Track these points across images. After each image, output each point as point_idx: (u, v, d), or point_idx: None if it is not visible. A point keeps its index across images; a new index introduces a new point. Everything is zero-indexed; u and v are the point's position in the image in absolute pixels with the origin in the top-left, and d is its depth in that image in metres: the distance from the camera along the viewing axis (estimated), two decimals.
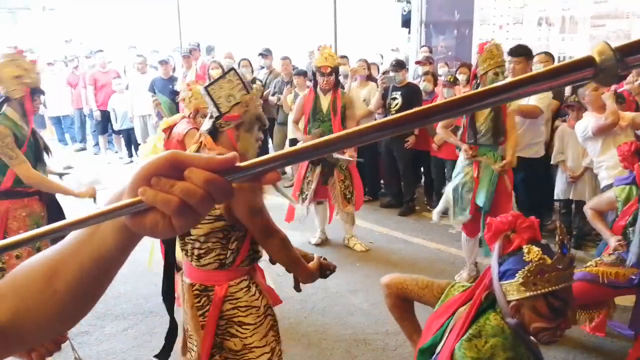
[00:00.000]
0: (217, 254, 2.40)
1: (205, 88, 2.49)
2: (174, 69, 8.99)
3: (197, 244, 2.41)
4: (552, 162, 5.66)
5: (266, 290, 2.65)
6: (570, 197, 5.53)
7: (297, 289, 2.65)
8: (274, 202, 5.29)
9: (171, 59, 9.75)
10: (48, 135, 12.39)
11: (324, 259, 2.61)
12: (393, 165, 6.83)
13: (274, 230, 2.38)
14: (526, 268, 1.66)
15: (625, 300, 3.96)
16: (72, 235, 0.73)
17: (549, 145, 5.77)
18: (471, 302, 1.79)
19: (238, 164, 0.62)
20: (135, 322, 4.26)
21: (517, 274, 1.67)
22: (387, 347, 3.90)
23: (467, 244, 4.80)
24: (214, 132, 2.48)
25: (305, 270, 2.50)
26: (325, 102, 5.35)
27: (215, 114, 2.45)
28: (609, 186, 4.63)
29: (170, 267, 2.61)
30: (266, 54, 8.38)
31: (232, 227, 2.37)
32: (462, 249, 4.93)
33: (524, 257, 1.68)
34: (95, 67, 10.12)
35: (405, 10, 10.29)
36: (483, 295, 1.79)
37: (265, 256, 2.61)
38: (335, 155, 5.31)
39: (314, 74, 5.33)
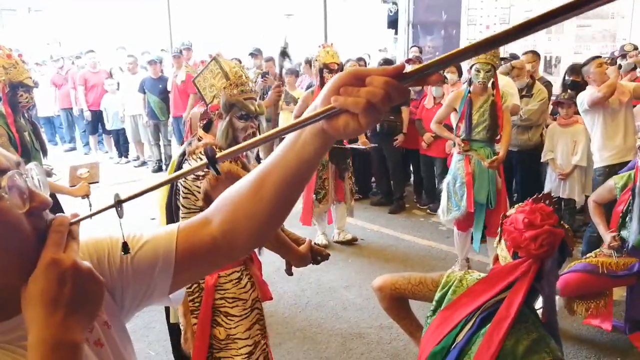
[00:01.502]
0: None
1: (193, 81, 2.59)
2: (161, 70, 8.99)
3: None
4: (541, 160, 5.75)
5: (259, 284, 2.68)
6: (560, 195, 5.61)
7: (289, 272, 2.67)
8: None
9: (159, 58, 9.76)
10: None
11: (317, 244, 2.63)
12: (383, 163, 6.89)
13: None
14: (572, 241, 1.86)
15: (615, 295, 4.05)
16: (277, 150, 0.90)
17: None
18: (510, 302, 1.75)
19: (405, 71, 0.75)
20: (134, 316, 4.26)
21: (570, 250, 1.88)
22: (382, 340, 3.95)
23: (459, 238, 4.86)
24: (209, 123, 2.55)
25: (296, 254, 2.52)
26: None
27: (205, 105, 2.54)
28: (600, 169, 4.74)
29: None
30: (256, 53, 8.41)
31: None
32: (455, 245, 4.99)
33: (564, 238, 1.82)
34: (85, 68, 10.08)
35: (391, 12, 10.36)
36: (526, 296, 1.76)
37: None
38: (350, 145, 5.43)
39: (320, 72, 5.37)
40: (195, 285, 2.53)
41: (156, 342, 3.92)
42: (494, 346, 1.70)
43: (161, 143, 9.30)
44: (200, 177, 2.34)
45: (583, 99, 4.70)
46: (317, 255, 2.60)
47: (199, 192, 2.37)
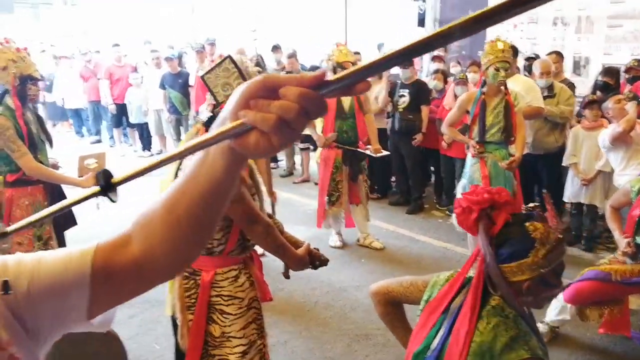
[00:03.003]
0: None
1: (202, 77, 2.52)
2: (179, 64, 9.08)
3: None
4: (563, 164, 5.59)
5: (259, 283, 2.65)
6: (582, 201, 5.45)
7: (286, 275, 2.66)
8: (284, 197, 5.35)
9: (185, 54, 9.83)
10: (66, 127, 12.57)
11: (316, 249, 2.58)
12: (401, 163, 6.80)
13: (257, 217, 2.35)
14: (542, 246, 1.64)
15: (632, 304, 3.93)
16: (188, 169, 0.80)
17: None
18: (470, 291, 1.73)
19: (327, 78, 0.65)
20: (141, 310, 4.31)
21: (529, 254, 1.65)
22: (388, 343, 3.89)
23: (473, 240, 4.77)
24: (210, 120, 2.48)
25: (293, 256, 2.48)
26: (346, 99, 5.29)
27: (212, 102, 2.49)
28: None
29: None
30: (278, 47, 8.50)
31: None
32: (468, 247, 4.91)
33: (531, 235, 1.66)
34: (110, 61, 10.23)
35: (421, 9, 10.27)
36: (484, 280, 1.73)
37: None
38: (362, 151, 5.35)
39: (334, 71, 5.31)
40: (191, 281, 2.52)
41: (162, 336, 3.93)
42: (461, 340, 1.66)
43: (182, 138, 9.38)
44: None
45: (604, 136, 4.64)
46: (315, 259, 2.56)
47: None
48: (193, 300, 2.52)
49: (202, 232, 0.87)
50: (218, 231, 2.40)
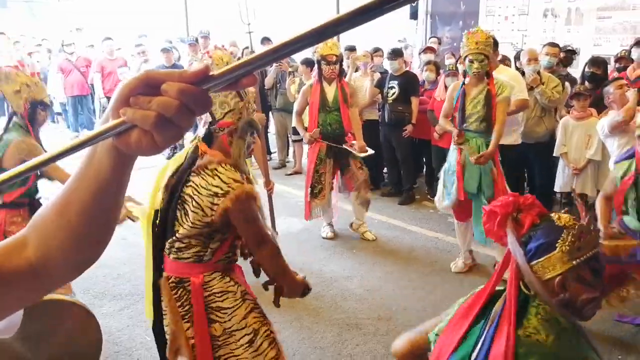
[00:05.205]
0: (197, 250, 2.44)
1: None
2: (178, 58, 9.04)
3: (179, 243, 2.46)
4: (554, 154, 5.62)
5: (242, 284, 2.63)
6: (573, 190, 5.49)
7: (276, 303, 2.63)
8: (276, 189, 5.35)
9: (174, 49, 9.82)
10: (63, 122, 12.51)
11: (303, 276, 2.59)
12: (392, 154, 6.83)
13: (266, 238, 2.40)
14: (569, 234, 1.55)
15: None
16: (77, 168, 0.77)
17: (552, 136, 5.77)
18: (505, 296, 1.64)
19: (212, 73, 0.64)
20: (132, 302, 4.34)
21: (556, 244, 1.56)
22: (378, 332, 3.94)
23: (459, 228, 4.82)
24: (208, 137, 2.50)
25: (293, 280, 2.50)
26: (330, 92, 5.25)
27: (209, 119, 2.49)
28: None
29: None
30: (268, 38, 8.48)
31: (217, 230, 2.40)
32: (457, 238, 4.94)
33: (556, 224, 1.59)
34: (102, 55, 10.20)
35: (413, 2, 10.27)
36: (518, 283, 1.64)
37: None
38: (346, 147, 5.30)
39: (318, 64, 5.27)
40: (180, 290, 2.50)
41: None
42: (504, 336, 1.57)
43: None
44: (220, 195, 2.32)
45: (604, 124, 4.62)
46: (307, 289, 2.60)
47: (210, 209, 2.34)
48: (187, 308, 2.50)
49: (98, 231, 0.83)
50: (215, 241, 2.42)
